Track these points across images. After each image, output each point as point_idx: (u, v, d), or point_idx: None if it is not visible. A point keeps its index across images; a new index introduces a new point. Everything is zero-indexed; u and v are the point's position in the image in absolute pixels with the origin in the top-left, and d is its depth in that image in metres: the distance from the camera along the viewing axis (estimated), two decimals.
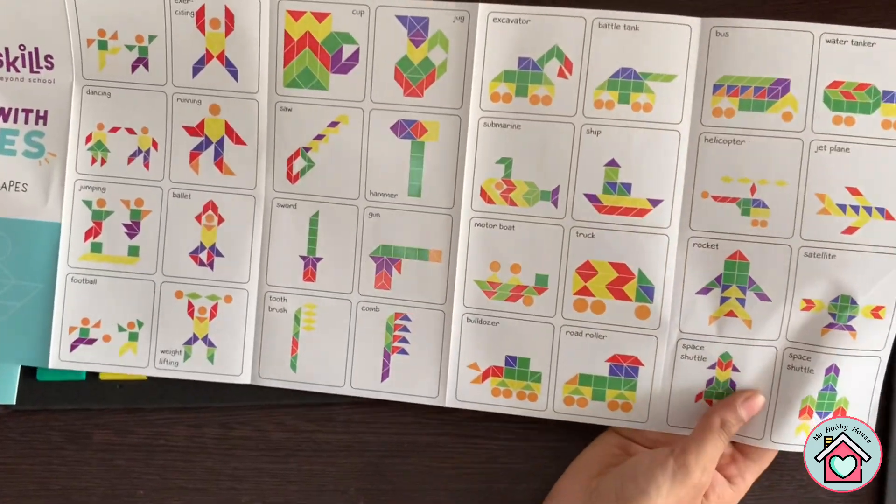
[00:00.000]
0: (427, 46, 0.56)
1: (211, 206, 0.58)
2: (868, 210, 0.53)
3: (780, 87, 0.54)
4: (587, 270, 0.56)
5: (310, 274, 0.58)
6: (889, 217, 0.53)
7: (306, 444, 0.59)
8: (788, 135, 0.54)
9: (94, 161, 0.58)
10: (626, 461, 0.53)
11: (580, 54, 0.55)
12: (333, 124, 0.57)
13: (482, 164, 0.56)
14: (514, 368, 0.56)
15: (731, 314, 0.54)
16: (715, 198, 0.54)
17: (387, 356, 0.57)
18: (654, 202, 0.55)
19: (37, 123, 0.58)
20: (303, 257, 0.58)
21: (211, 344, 0.58)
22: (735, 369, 0.54)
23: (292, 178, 0.57)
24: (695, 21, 0.54)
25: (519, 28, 0.55)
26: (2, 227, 0.58)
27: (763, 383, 0.54)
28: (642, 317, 0.55)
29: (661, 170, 0.55)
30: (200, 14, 0.56)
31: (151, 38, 0.57)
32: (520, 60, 0.55)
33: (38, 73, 0.58)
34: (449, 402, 0.56)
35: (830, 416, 0.53)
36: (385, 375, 0.57)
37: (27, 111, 0.58)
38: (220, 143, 0.58)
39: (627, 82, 0.54)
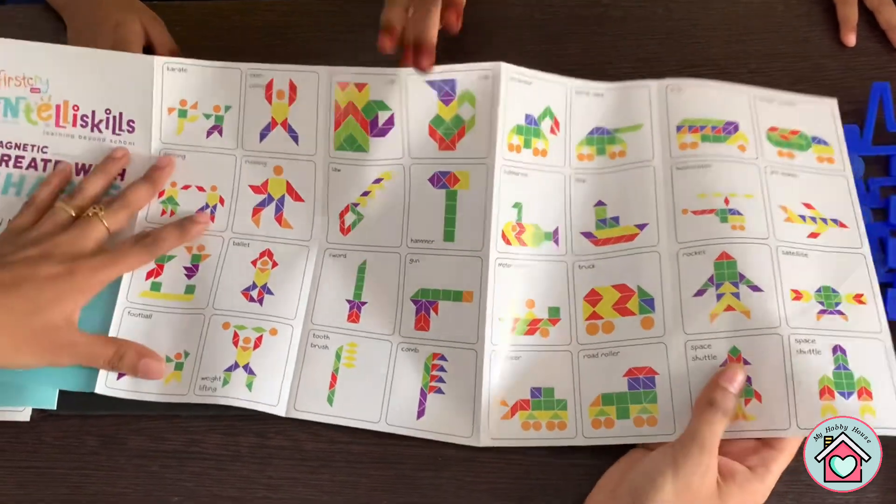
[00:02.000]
0: (457, 104, 0.63)
1: (267, 253, 0.63)
2: (824, 220, 0.60)
3: (731, 126, 0.63)
4: (593, 297, 0.60)
5: (354, 316, 0.61)
6: (843, 226, 0.61)
7: (340, 456, 0.58)
8: (745, 161, 0.62)
9: (164, 213, 0.64)
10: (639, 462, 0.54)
11: (564, 115, 0.64)
12: (378, 181, 0.63)
13: (503, 208, 0.61)
14: (541, 399, 0.58)
15: (729, 308, 0.57)
16: (694, 212, 0.60)
17: (423, 395, 0.59)
18: (641, 226, 0.61)
19: (116, 178, 0.64)
20: (349, 301, 0.61)
21: (251, 372, 0.59)
22: (746, 362, 0.56)
23: (344, 230, 0.63)
24: (652, 83, 0.65)
25: (526, 88, 0.63)
26: None
27: (776, 372, 0.55)
28: (647, 327, 0.58)
29: (642, 199, 0.61)
30: (269, 86, 0.65)
31: (227, 108, 0.65)
32: (526, 116, 0.63)
33: (119, 135, 0.64)
34: (483, 442, 0.57)
35: (855, 396, 0.54)
36: (420, 414, 0.58)
37: None
38: (282, 200, 0.64)
39: (602, 137, 0.64)
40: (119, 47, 0.68)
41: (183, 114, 0.65)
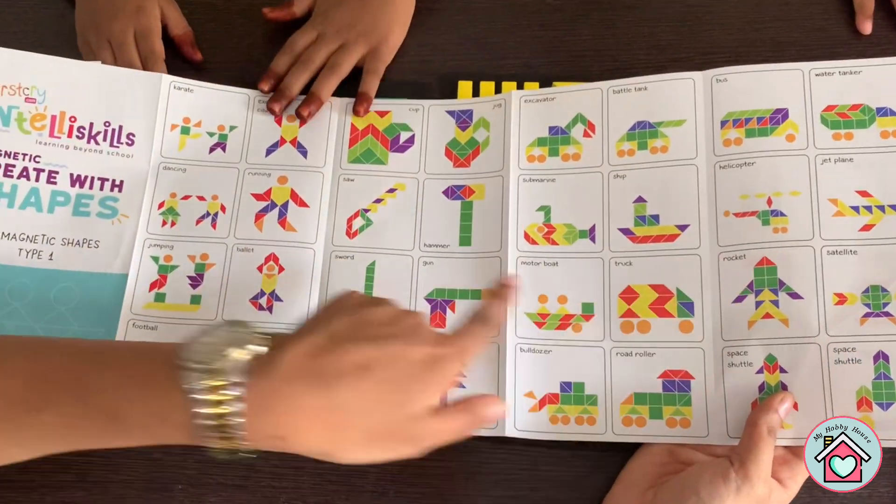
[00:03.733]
0: (472, 130, 0.65)
1: (272, 258, 0.62)
2: (881, 208, 0.57)
3: (779, 115, 0.60)
4: (629, 294, 0.59)
5: None
6: None
7: None
8: (794, 153, 0.59)
9: (164, 223, 0.63)
10: (685, 473, 0.53)
11: (600, 117, 0.63)
12: (391, 190, 0.64)
13: (524, 212, 0.62)
14: (570, 394, 0.58)
15: (767, 316, 0.56)
16: (736, 214, 0.59)
17: None
18: (682, 227, 0.60)
19: (112, 190, 0.64)
20: None
21: None
22: (783, 370, 0.55)
23: (351, 234, 0.63)
24: (697, 75, 0.63)
25: (546, 104, 0.65)
26: (72, 278, 0.61)
27: (814, 381, 0.54)
28: (686, 331, 0.58)
29: (684, 199, 0.60)
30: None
31: (232, 127, 0.66)
32: (550, 129, 0.64)
33: (117, 147, 0.64)
34: (509, 432, 0.57)
35: (895, 407, 0.53)
36: None
37: (103, 180, 0.64)
38: (285, 205, 0.64)
39: (644, 132, 0.62)
40: (142, 35, 0.68)
41: (186, 130, 0.65)
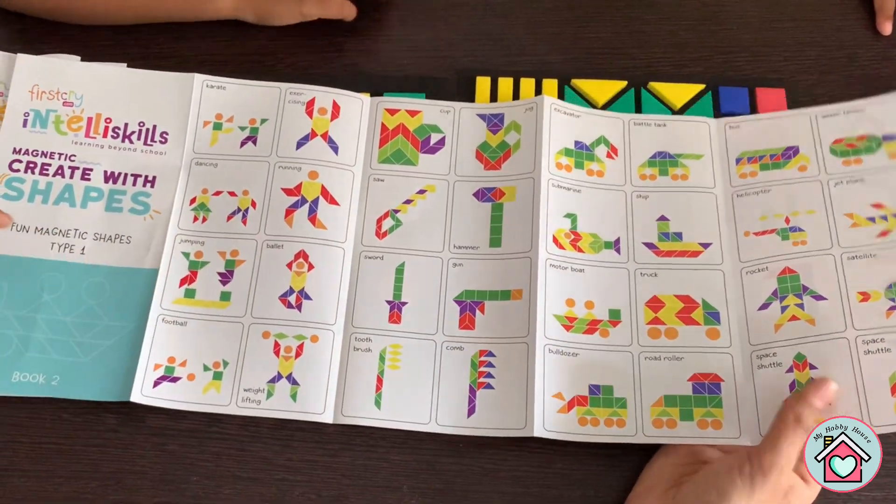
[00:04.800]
0: (503, 133, 0.66)
1: (302, 255, 0.61)
2: None
3: (791, 151, 0.64)
4: (655, 303, 0.60)
5: (395, 317, 0.60)
6: None
7: (361, 439, 0.57)
8: (807, 179, 0.63)
9: (195, 219, 0.63)
10: (704, 468, 0.52)
11: (622, 143, 0.66)
12: (421, 192, 0.64)
13: (553, 216, 0.62)
14: (599, 396, 0.57)
15: (793, 318, 0.58)
16: (756, 234, 0.61)
17: (472, 392, 0.58)
18: (705, 245, 0.62)
19: (144, 186, 0.64)
20: (388, 301, 0.61)
21: (295, 382, 0.58)
22: (812, 367, 0.56)
23: (380, 235, 0.63)
24: (712, 121, 0.66)
25: (573, 120, 0.66)
26: (103, 273, 0.60)
27: (845, 374, 0.55)
28: (713, 337, 0.59)
29: (705, 221, 0.63)
30: (310, 104, 0.66)
31: (263, 120, 0.66)
32: (575, 143, 0.65)
33: (150, 146, 0.65)
34: (537, 433, 0.56)
35: None
36: (471, 411, 0.57)
37: (136, 175, 0.65)
38: (315, 202, 0.63)
39: (664, 160, 0.65)
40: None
41: (218, 126, 0.66)
